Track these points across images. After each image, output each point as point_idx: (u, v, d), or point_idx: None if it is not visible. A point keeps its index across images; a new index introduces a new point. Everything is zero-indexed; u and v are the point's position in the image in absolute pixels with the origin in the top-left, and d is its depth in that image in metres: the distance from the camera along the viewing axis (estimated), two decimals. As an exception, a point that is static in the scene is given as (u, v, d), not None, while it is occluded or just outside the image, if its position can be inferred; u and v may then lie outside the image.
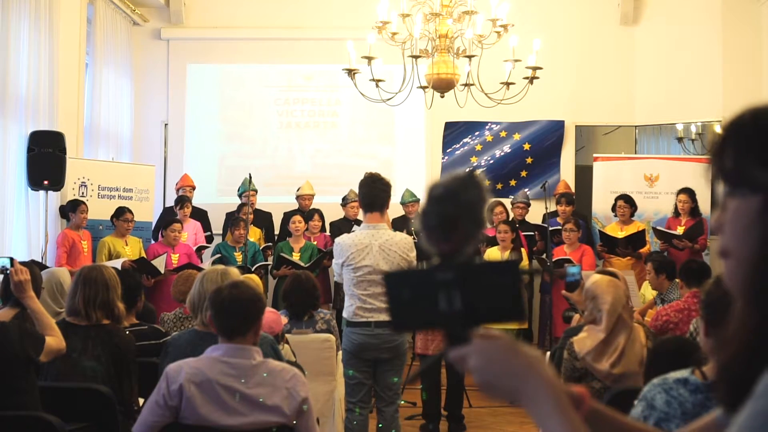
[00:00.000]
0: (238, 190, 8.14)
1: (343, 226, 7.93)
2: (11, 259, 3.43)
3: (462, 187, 0.94)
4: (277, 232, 8.28)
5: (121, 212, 6.94)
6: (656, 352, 2.83)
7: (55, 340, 3.24)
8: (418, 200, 8.22)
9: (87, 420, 3.29)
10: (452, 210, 0.94)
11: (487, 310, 0.96)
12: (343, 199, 8.14)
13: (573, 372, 3.52)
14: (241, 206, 7.84)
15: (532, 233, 7.72)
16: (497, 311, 0.96)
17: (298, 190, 8.21)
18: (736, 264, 0.87)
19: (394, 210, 8.30)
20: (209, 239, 7.97)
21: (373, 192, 4.23)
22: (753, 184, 0.83)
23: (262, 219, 8.19)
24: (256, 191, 7.91)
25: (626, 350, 3.46)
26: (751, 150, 0.84)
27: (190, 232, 7.54)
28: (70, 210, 6.74)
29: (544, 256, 7.37)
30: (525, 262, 7.14)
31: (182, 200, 7.61)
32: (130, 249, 6.92)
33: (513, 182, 9.17)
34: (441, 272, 0.95)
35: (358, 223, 7.89)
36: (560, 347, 3.90)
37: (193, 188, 8.09)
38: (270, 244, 7.95)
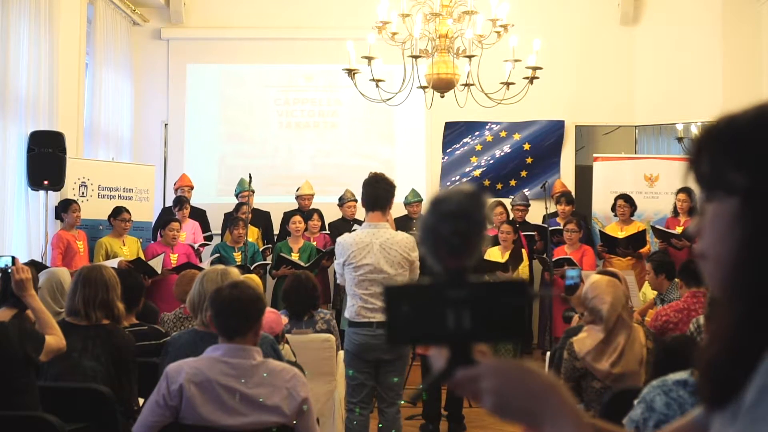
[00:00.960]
0: (235, 191, 8.13)
1: (342, 226, 7.91)
2: (13, 258, 3.43)
3: (474, 205, 0.95)
4: (276, 232, 8.28)
5: (118, 212, 6.92)
6: (664, 350, 2.82)
7: (55, 338, 3.24)
8: (421, 200, 8.22)
9: (87, 420, 3.29)
10: (466, 227, 0.94)
11: (492, 328, 0.95)
12: (340, 198, 8.13)
13: (573, 372, 3.52)
14: (238, 206, 7.83)
15: (533, 233, 7.72)
16: (501, 330, 0.96)
17: (297, 190, 8.21)
18: (714, 266, 0.89)
19: (396, 210, 8.31)
20: (209, 239, 7.96)
21: (376, 192, 4.22)
22: (729, 188, 0.85)
23: (260, 219, 8.18)
24: (253, 192, 7.90)
25: (626, 350, 3.46)
26: (726, 154, 0.86)
27: (188, 232, 7.52)
28: (62, 210, 6.71)
29: (544, 256, 7.37)
30: (525, 263, 7.14)
31: (180, 201, 7.59)
32: (128, 249, 6.90)
33: (513, 182, 9.16)
34: (453, 289, 0.94)
35: (358, 222, 7.88)
36: (560, 347, 3.90)
37: (192, 188, 8.07)
38: (269, 245, 7.94)
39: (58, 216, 6.86)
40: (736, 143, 0.85)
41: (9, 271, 3.28)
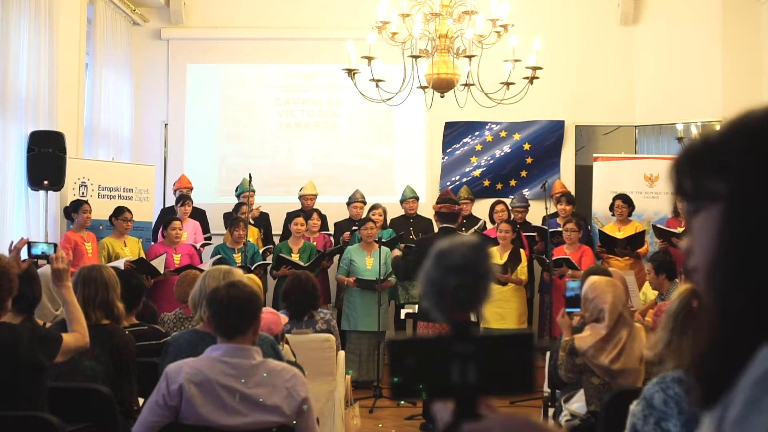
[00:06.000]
0: (236, 191, 8.13)
1: (347, 226, 7.91)
2: (56, 246, 3.39)
3: (479, 257, 0.94)
4: (278, 232, 8.27)
5: (120, 211, 6.92)
6: None
7: (74, 336, 3.19)
8: (417, 197, 8.22)
9: (87, 420, 3.29)
10: (472, 280, 0.94)
11: (497, 382, 0.95)
12: (349, 198, 8.12)
13: (573, 368, 3.56)
14: (238, 206, 7.82)
15: (533, 234, 7.72)
16: (508, 383, 0.96)
17: (300, 190, 8.20)
18: (704, 276, 0.90)
19: (395, 210, 8.31)
20: (209, 240, 7.95)
21: None
22: (711, 195, 0.88)
23: (260, 219, 8.18)
24: (254, 192, 7.90)
25: (626, 347, 3.50)
26: (703, 166, 0.90)
27: (189, 232, 7.53)
28: (73, 210, 6.71)
29: (543, 256, 7.37)
30: (524, 263, 7.14)
31: (183, 198, 7.60)
32: (129, 249, 6.90)
33: (513, 182, 9.16)
34: (458, 343, 0.94)
35: (362, 223, 7.88)
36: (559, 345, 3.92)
37: (191, 189, 8.07)
38: (270, 246, 7.93)
39: (68, 216, 6.85)
40: (713, 155, 0.90)
41: (48, 258, 3.23)
